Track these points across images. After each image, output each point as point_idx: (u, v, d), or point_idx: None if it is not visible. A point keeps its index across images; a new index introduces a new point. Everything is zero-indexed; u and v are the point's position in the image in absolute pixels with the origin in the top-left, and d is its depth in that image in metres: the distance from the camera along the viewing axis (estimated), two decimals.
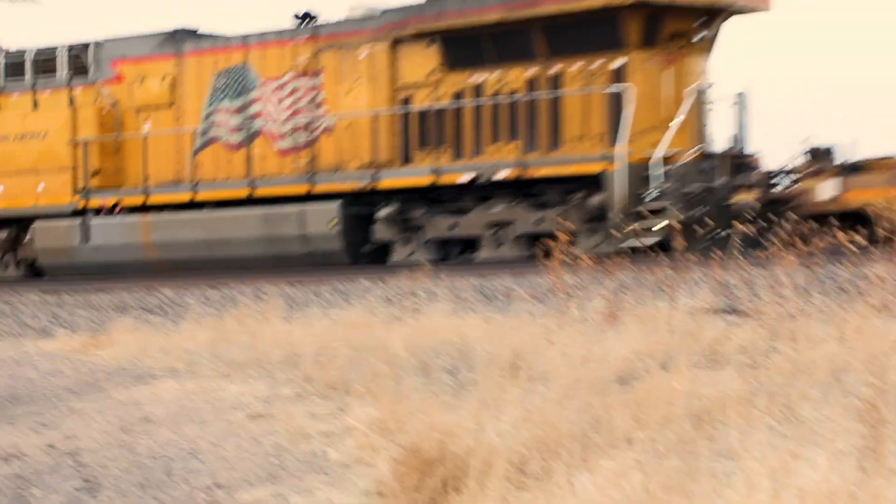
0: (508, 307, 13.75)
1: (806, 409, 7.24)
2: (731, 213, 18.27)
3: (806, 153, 18.96)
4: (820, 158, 18.79)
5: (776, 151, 20.64)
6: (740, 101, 19.76)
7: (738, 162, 19.43)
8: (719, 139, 19.73)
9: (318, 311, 13.94)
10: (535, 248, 18.61)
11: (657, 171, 18.56)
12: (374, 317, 12.56)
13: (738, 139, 19.79)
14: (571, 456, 6.86)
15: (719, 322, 10.27)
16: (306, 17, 22.01)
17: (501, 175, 19.57)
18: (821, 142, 18.90)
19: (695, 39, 19.51)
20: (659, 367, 8.41)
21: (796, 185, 18.67)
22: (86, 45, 24.18)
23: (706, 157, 19.19)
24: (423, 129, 20.69)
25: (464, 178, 19.89)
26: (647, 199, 18.52)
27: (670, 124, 18.95)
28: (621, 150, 18.69)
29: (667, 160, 18.68)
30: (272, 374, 10.54)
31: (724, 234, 17.47)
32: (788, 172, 19.04)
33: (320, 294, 16.70)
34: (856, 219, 17.51)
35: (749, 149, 19.72)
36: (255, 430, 8.69)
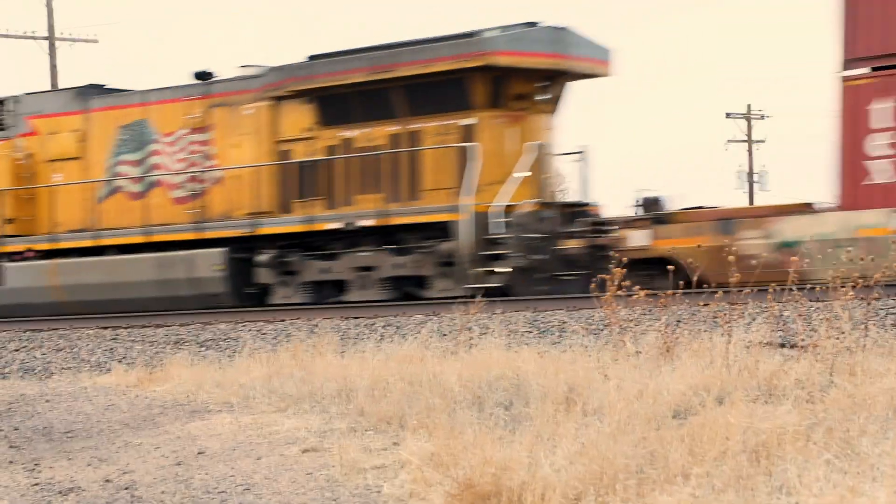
0: (562, 341, 13.71)
1: (864, 444, 7.16)
2: (564, 259, 20.30)
3: (638, 203, 21.13)
4: (650, 208, 20.87)
5: (613, 201, 22.98)
6: (582, 155, 21.48)
7: (576, 211, 21.15)
8: (564, 191, 21.91)
9: (372, 345, 13.96)
10: (400, 290, 20.86)
11: (498, 220, 20.14)
12: (427, 351, 12.55)
13: (579, 190, 21.71)
14: (627, 491, 6.82)
15: (776, 356, 10.18)
16: (203, 75, 23.72)
17: (365, 223, 21.36)
18: (651, 193, 21.32)
19: (538, 100, 21.28)
20: (715, 401, 8.35)
21: (614, 234, 20.58)
22: (3, 101, 25.72)
23: (546, 207, 20.84)
24: (301, 181, 22.43)
25: (332, 225, 21.65)
26: (489, 246, 20.22)
27: (511, 177, 20.64)
28: (467, 201, 20.29)
29: (509, 210, 20.32)
30: (326, 408, 10.55)
31: (560, 277, 19.99)
32: (609, 222, 20.96)
33: (374, 328, 16.72)
34: (664, 263, 18.97)
35: (589, 199, 21.49)
36: (309, 464, 8.70)
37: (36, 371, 16.20)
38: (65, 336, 19.41)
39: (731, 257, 10.71)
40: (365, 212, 21.39)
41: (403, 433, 9.06)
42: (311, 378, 11.77)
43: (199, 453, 9.40)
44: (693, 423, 7.71)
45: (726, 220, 19.85)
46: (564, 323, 15.42)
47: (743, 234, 19.44)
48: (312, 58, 22.45)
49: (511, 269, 20.12)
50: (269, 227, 22.21)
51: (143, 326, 19.75)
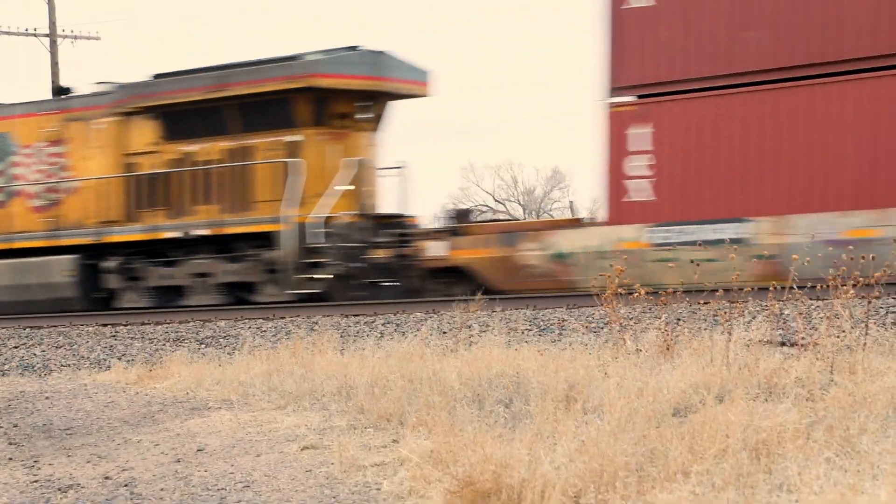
0: (563, 339, 13.70)
1: (865, 442, 7.15)
2: (378, 267, 22.13)
3: (450, 215, 22.79)
4: (461, 219, 22.59)
5: (429, 213, 24.42)
6: (401, 171, 23.17)
7: (392, 223, 22.73)
8: (385, 203, 23.41)
9: (372, 342, 13.94)
10: (234, 295, 22.54)
11: (317, 231, 21.68)
12: (427, 348, 12.55)
13: (398, 203, 23.39)
14: (627, 488, 6.81)
15: (776, 354, 10.18)
16: (61, 91, 25.58)
17: (200, 232, 23.05)
18: (462, 206, 23.08)
19: (359, 118, 22.89)
20: (715, 399, 8.34)
21: (415, 245, 22.15)
22: None
23: (364, 218, 22.39)
24: (146, 192, 24.13)
25: (171, 234, 23.38)
26: (309, 254, 21.76)
27: (332, 190, 22.25)
28: (289, 212, 21.81)
29: (329, 221, 21.80)
30: (326, 406, 10.54)
31: (375, 283, 21.80)
32: (413, 233, 22.49)
33: (374, 326, 16.72)
34: (461, 273, 21.37)
35: (407, 211, 23.08)
36: (308, 461, 8.69)
37: (35, 368, 16.19)
38: (64, 333, 19.40)
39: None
40: (200, 222, 23.10)
41: (403, 431, 9.05)
42: (310, 375, 11.76)
43: (198, 450, 9.40)
44: (693, 421, 7.70)
45: (510, 233, 21.52)
46: (564, 321, 15.41)
47: (523, 245, 20.97)
48: (157, 76, 24.18)
49: (330, 276, 21.70)
50: (115, 236, 24.01)
51: (143, 324, 19.75)
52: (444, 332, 14.79)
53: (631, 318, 11.96)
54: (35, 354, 17.37)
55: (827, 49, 19.06)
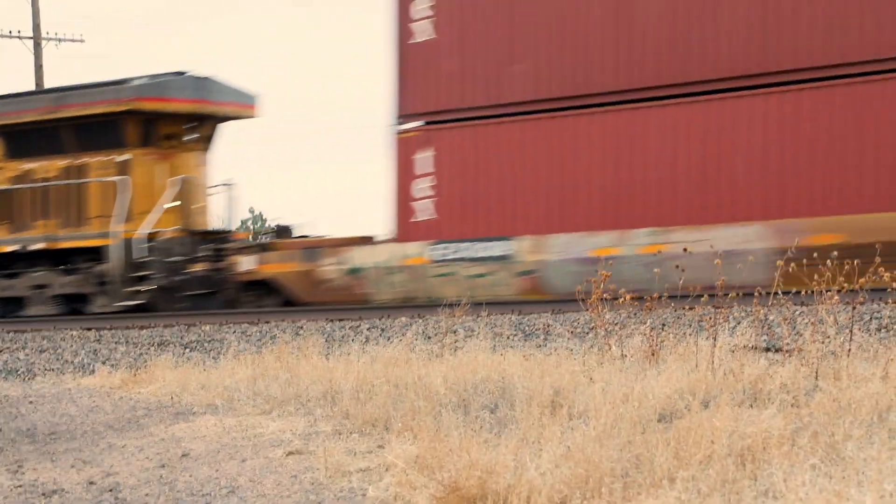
0: (548, 344, 13.72)
1: (850, 449, 7.17)
2: (200, 279, 23.69)
3: (273, 230, 24.21)
4: (283, 234, 24.11)
5: (250, 228, 26.13)
6: (228, 189, 24.80)
7: (215, 238, 24.21)
8: (212, 219, 24.88)
9: (357, 347, 13.93)
10: (69, 306, 24.02)
11: (142, 246, 23.33)
12: (413, 353, 12.54)
13: (223, 219, 24.96)
14: (612, 494, 6.82)
15: (761, 360, 10.19)
16: None
17: (36, 247, 24.66)
18: (285, 222, 24.76)
19: (187, 139, 24.49)
20: (700, 405, 8.35)
21: (228, 259, 23.58)
22: None
23: (187, 234, 23.92)
24: None
25: (11, 248, 25.00)
26: (135, 268, 23.26)
27: (158, 207, 23.79)
28: (117, 228, 23.54)
29: (153, 236, 23.49)
30: (311, 411, 10.53)
31: (197, 295, 23.29)
32: (228, 248, 23.86)
33: (359, 330, 16.71)
34: (268, 286, 22.92)
35: (232, 227, 24.83)
36: (293, 466, 8.68)
37: (19, 372, 16.15)
38: (48, 337, 19.36)
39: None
40: (38, 236, 24.71)
41: (388, 436, 9.04)
42: (295, 380, 11.75)
43: (183, 455, 9.38)
44: (679, 427, 7.71)
45: (311, 249, 22.89)
46: (549, 326, 15.43)
47: (323, 261, 22.42)
48: None
49: (154, 288, 23.22)
50: None
51: (127, 328, 19.72)
52: (430, 338, 14.79)
53: (616, 324, 11.97)
54: (19, 359, 17.33)
55: (578, 84, 20.67)
